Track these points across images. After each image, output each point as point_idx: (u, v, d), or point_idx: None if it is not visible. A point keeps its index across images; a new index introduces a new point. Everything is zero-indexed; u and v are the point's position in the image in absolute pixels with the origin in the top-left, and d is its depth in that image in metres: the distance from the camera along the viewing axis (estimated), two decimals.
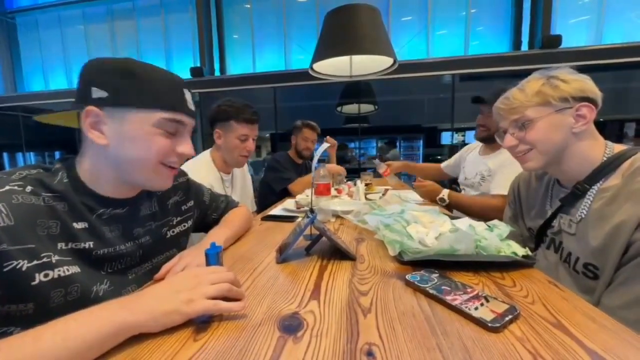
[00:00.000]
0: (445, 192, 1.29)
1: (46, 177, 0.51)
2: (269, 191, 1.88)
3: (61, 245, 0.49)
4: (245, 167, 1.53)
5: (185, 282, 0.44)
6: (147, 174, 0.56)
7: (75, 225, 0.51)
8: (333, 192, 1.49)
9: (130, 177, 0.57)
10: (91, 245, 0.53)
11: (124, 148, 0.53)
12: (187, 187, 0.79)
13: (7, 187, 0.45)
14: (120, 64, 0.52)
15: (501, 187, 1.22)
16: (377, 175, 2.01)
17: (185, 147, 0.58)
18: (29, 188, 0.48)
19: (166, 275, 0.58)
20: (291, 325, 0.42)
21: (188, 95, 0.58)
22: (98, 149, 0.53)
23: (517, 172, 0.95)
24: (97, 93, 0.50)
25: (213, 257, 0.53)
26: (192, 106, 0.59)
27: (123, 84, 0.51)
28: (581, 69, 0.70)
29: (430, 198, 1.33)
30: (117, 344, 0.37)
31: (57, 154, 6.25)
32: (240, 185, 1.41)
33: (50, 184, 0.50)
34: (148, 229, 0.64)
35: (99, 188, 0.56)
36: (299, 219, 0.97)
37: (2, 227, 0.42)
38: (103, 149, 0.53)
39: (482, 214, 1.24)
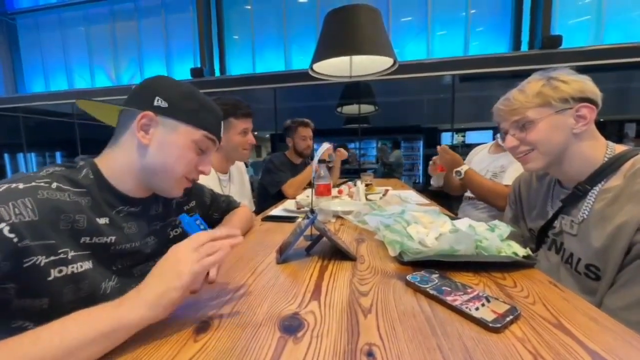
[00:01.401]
0: (465, 167, 1.29)
1: (71, 172, 0.53)
2: (266, 193, 1.87)
3: (85, 239, 0.51)
4: (243, 166, 1.53)
5: (166, 262, 0.43)
6: (169, 181, 0.61)
7: (98, 220, 0.53)
8: (334, 192, 1.49)
9: (152, 180, 0.61)
10: (113, 240, 0.55)
11: (160, 152, 0.58)
12: (188, 188, 0.79)
13: (34, 184, 0.47)
14: (185, 86, 0.62)
15: (513, 178, 1.23)
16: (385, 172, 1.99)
17: (206, 167, 0.66)
18: (54, 184, 0.49)
19: None
20: (291, 326, 0.42)
21: (222, 125, 0.70)
22: (136, 147, 0.58)
23: None
24: (158, 102, 0.58)
25: (188, 225, 0.51)
26: (222, 133, 0.69)
27: (183, 102, 0.60)
28: (582, 69, 0.70)
29: (450, 167, 1.33)
30: (119, 344, 0.37)
31: (57, 155, 6.27)
32: (238, 185, 1.41)
33: (76, 178, 0.53)
34: (154, 229, 0.66)
35: (120, 185, 0.58)
36: (299, 220, 0.97)
37: (27, 222, 0.43)
38: (141, 148, 0.58)
39: (488, 195, 1.26)
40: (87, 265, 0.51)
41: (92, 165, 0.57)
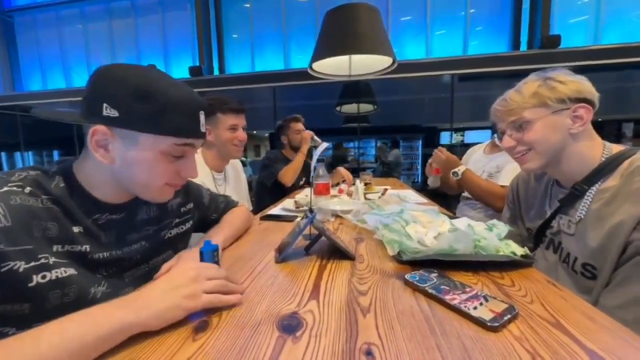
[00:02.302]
0: (462, 168, 1.28)
1: (44, 179, 0.50)
2: (264, 190, 1.89)
3: (57, 248, 0.49)
4: (239, 165, 1.52)
5: (182, 277, 0.44)
6: (151, 193, 0.57)
7: (72, 228, 0.51)
8: (335, 191, 1.49)
9: (132, 191, 0.57)
10: (87, 249, 0.52)
11: (128, 169, 0.52)
12: (186, 189, 0.78)
13: (6, 188, 0.45)
14: (136, 81, 0.48)
15: (509, 179, 1.24)
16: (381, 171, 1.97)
17: (190, 171, 0.58)
18: (27, 189, 0.47)
19: None
20: (290, 325, 0.42)
21: (202, 117, 0.56)
22: (101, 164, 0.52)
23: None
24: (107, 111, 0.47)
25: (207, 255, 0.53)
26: (204, 128, 0.57)
27: (137, 107, 0.48)
28: (580, 69, 0.71)
29: (445, 168, 1.33)
30: (117, 344, 0.37)
31: (55, 154, 6.23)
32: (234, 183, 1.40)
33: (47, 187, 0.50)
34: (145, 234, 0.64)
35: (97, 192, 0.55)
36: (298, 219, 0.97)
37: (0, 227, 0.42)
38: (106, 166, 0.52)
39: (484, 196, 1.26)
40: (71, 270, 0.49)
41: (66, 172, 0.53)
